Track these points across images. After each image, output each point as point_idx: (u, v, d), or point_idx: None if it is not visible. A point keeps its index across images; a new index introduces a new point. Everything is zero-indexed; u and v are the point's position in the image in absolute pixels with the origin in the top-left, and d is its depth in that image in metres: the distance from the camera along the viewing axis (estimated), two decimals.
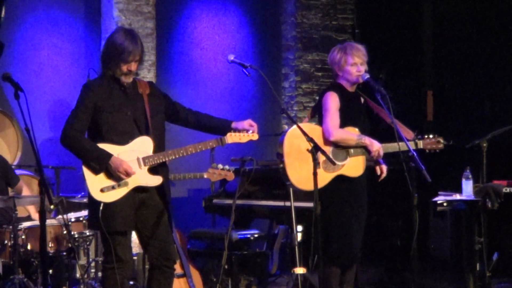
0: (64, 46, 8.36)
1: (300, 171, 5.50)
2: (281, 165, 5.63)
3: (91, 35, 8.46)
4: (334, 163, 5.62)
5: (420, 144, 5.86)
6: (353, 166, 5.75)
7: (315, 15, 9.49)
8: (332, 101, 5.78)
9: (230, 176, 6.48)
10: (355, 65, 5.82)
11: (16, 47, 8.10)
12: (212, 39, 9.15)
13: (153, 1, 8.50)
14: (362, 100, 6.01)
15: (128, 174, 5.05)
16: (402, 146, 5.70)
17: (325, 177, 5.69)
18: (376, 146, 5.73)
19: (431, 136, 5.91)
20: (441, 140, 5.91)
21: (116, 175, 5.05)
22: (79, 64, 8.34)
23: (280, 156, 5.68)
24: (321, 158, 5.63)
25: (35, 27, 8.22)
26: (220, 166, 6.48)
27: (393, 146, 5.78)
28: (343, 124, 5.77)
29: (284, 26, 9.59)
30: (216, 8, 9.22)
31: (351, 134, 5.71)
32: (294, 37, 9.45)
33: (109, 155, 5.04)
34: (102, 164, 5.04)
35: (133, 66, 5.12)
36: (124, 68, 5.10)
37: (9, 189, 6.66)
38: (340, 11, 9.60)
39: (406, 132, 5.90)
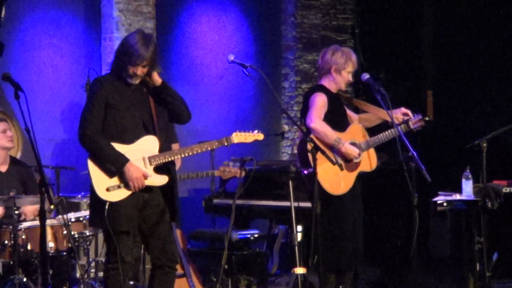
0: (64, 46, 8.35)
1: (330, 178, 5.56)
2: (309, 176, 5.69)
3: (91, 35, 8.45)
4: (334, 163, 5.66)
5: (410, 125, 6.01)
6: (367, 161, 5.83)
7: (315, 15, 9.48)
8: (320, 100, 5.86)
9: (240, 174, 6.54)
10: (350, 73, 5.90)
11: (16, 47, 8.09)
12: (212, 39, 9.14)
13: (153, 1, 8.50)
14: (343, 100, 6.09)
15: (139, 188, 5.05)
16: (389, 135, 5.82)
17: (351, 178, 5.76)
18: (352, 155, 5.77)
19: (412, 116, 6.01)
20: (421, 117, 6.06)
21: (127, 181, 5.04)
22: (79, 64, 8.33)
23: (307, 166, 5.71)
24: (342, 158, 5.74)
25: (35, 27, 8.21)
26: (231, 163, 6.55)
27: (382, 138, 5.87)
28: (333, 125, 5.81)
29: (284, 26, 9.58)
30: (216, 8, 9.21)
31: (332, 131, 5.75)
32: (294, 37, 9.44)
33: (126, 160, 5.03)
34: (118, 167, 5.03)
35: (139, 70, 5.08)
36: (130, 70, 5.08)
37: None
38: (340, 11, 9.60)
39: (395, 116, 5.99)
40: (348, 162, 5.81)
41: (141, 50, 5.02)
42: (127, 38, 5.14)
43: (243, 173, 6.52)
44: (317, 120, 5.75)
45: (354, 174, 5.83)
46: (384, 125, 6.12)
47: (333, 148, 5.78)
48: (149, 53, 5.04)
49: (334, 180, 5.67)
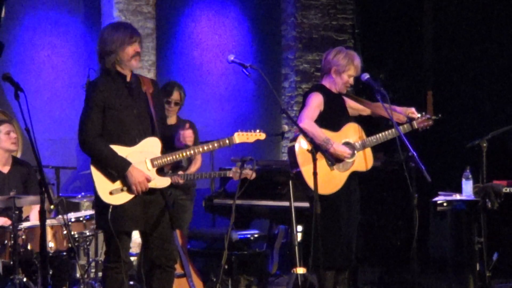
0: (64, 46, 8.36)
1: (318, 177, 5.54)
2: (297, 175, 5.68)
3: (91, 35, 8.46)
4: (333, 163, 5.66)
5: (414, 125, 5.94)
6: (363, 160, 5.80)
7: (315, 15, 9.48)
8: (315, 100, 5.84)
9: (251, 175, 6.55)
10: (351, 77, 5.88)
11: (16, 47, 8.10)
12: (212, 39, 9.15)
13: (153, 1, 8.50)
14: (345, 99, 6.07)
15: (142, 191, 5.05)
16: (388, 135, 5.80)
17: (341, 178, 5.74)
18: (342, 155, 5.75)
19: (419, 115, 5.97)
20: (429, 116, 5.99)
21: (130, 185, 5.04)
22: (79, 64, 8.34)
23: (295, 166, 5.70)
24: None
25: (34, 27, 8.22)
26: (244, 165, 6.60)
27: (380, 138, 5.85)
28: (328, 124, 5.80)
29: (284, 26, 9.59)
30: (216, 8, 9.22)
31: (320, 132, 5.72)
32: (294, 37, 9.44)
33: (128, 164, 5.02)
34: (121, 172, 5.03)
35: (138, 47, 5.09)
36: (131, 50, 5.06)
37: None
38: (340, 11, 9.60)
39: (397, 117, 5.96)
40: (341, 162, 5.79)
41: (126, 30, 5.07)
42: (104, 36, 5.10)
43: (254, 175, 6.54)
44: (306, 120, 5.73)
45: (345, 174, 5.79)
46: (385, 124, 6.11)
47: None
48: (134, 28, 5.12)
49: (323, 179, 5.61)
